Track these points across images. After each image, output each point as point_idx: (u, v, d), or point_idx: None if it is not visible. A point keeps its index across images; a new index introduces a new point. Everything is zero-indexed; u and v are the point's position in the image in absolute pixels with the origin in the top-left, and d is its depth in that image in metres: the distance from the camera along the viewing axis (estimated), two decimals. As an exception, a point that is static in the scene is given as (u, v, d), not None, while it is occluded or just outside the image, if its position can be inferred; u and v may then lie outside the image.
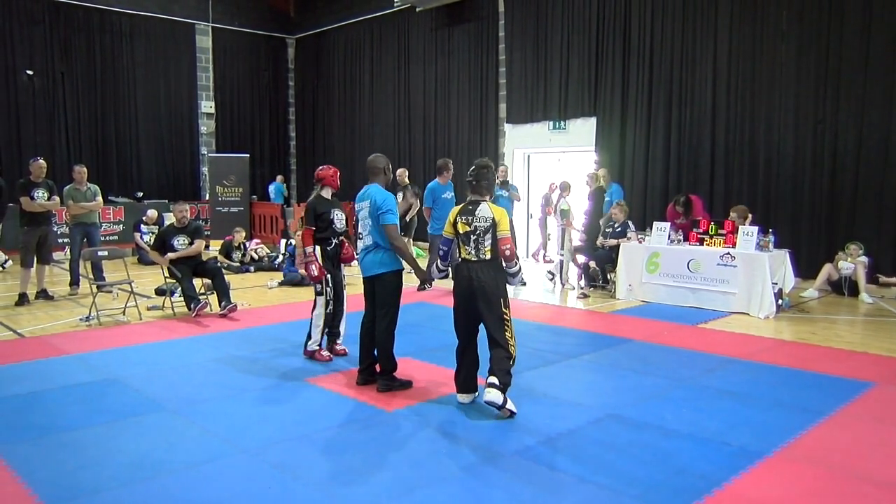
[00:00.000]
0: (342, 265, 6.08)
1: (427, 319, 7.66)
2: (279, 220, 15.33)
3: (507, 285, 4.72)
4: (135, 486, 3.56)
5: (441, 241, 4.86)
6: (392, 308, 5.10)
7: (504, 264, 4.65)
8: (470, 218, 4.64)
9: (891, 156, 8.95)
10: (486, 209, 4.62)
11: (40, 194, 8.78)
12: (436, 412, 4.66)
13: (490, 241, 4.58)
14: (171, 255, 7.94)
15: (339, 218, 5.90)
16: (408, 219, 10.78)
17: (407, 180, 11.28)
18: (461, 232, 4.67)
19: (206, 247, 8.93)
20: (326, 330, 6.01)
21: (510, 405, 4.52)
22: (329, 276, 5.86)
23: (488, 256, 4.60)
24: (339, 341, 6.15)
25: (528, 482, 3.61)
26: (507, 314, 4.59)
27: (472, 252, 4.62)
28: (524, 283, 9.82)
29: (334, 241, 5.87)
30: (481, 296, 4.55)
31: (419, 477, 3.67)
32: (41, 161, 9.03)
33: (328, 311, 5.91)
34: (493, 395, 4.45)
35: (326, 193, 5.97)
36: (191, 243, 8.06)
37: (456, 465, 3.83)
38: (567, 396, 5.03)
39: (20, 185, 8.84)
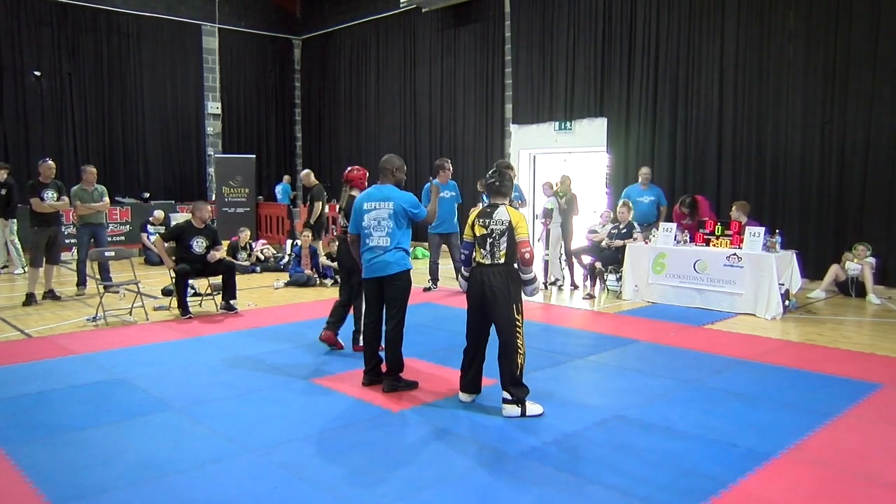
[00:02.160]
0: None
1: (433, 320, 7.66)
2: (285, 220, 15.35)
3: (522, 294, 4.68)
4: (142, 485, 3.57)
5: (462, 245, 4.86)
6: (402, 308, 5.11)
7: (521, 269, 4.61)
8: (487, 221, 4.62)
9: (899, 156, 8.92)
10: (503, 212, 4.60)
11: (50, 195, 8.82)
12: (442, 413, 4.66)
13: (505, 245, 4.56)
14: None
15: None
16: (312, 221, 10.61)
17: (314, 181, 11.03)
18: (478, 235, 4.66)
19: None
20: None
21: (531, 410, 4.56)
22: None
23: (502, 261, 4.57)
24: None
25: (534, 483, 3.60)
26: (519, 320, 4.57)
27: (487, 255, 4.60)
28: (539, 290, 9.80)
29: None
30: (493, 301, 4.54)
31: (425, 477, 3.67)
32: (50, 162, 9.09)
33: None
34: (510, 411, 4.54)
35: (356, 195, 6.03)
36: (209, 246, 7.95)
37: (462, 465, 3.83)
38: (573, 397, 5.03)
39: (29, 187, 8.88)
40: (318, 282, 10.14)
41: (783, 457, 3.92)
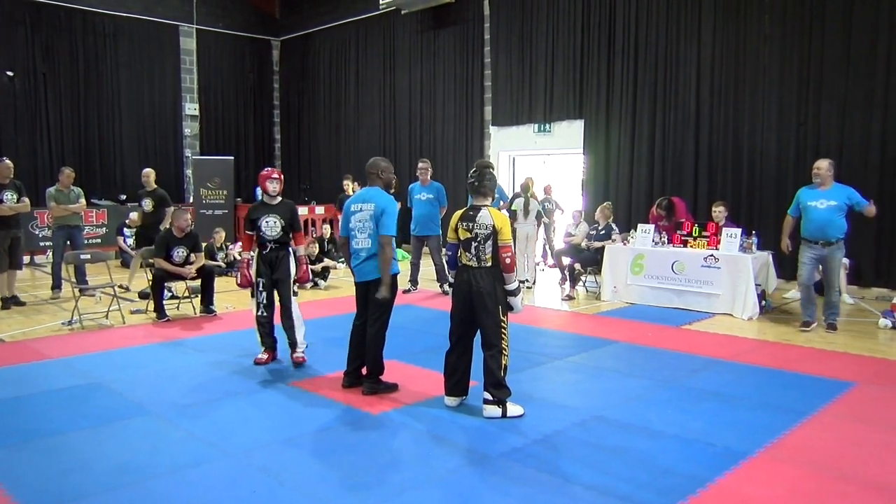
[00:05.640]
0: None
1: (413, 322, 7.65)
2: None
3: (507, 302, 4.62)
4: (119, 490, 3.53)
5: (447, 247, 4.82)
6: (387, 312, 5.09)
7: (504, 276, 4.56)
8: (470, 224, 4.56)
9: (871, 157, 9.05)
10: (486, 215, 4.54)
11: (8, 196, 8.43)
12: (422, 415, 4.66)
13: (491, 249, 4.52)
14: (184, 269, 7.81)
15: (267, 224, 5.85)
16: (163, 228, 9.91)
17: (153, 184, 9.93)
18: (462, 238, 4.61)
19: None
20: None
21: (511, 411, 4.55)
22: (262, 280, 5.89)
23: (489, 264, 4.54)
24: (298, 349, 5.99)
25: (515, 484, 3.62)
26: (504, 322, 4.55)
27: (473, 258, 4.57)
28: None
29: (270, 246, 5.88)
30: (479, 302, 4.52)
31: (406, 480, 3.67)
32: (7, 161, 8.66)
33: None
34: (491, 411, 4.54)
35: (265, 198, 6.02)
36: (188, 255, 7.89)
37: (443, 467, 3.83)
38: (553, 398, 5.05)
39: None
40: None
41: (760, 455, 3.97)
